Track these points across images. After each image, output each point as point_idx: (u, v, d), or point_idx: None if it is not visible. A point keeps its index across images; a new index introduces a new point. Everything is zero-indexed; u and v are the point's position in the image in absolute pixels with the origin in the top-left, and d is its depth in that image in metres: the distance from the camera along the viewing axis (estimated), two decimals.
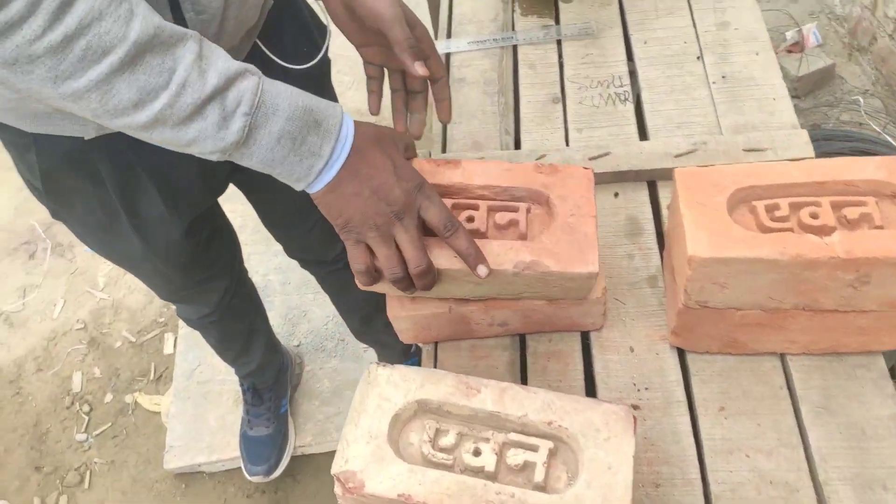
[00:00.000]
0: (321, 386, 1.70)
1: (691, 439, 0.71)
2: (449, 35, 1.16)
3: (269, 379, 1.54)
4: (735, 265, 0.63)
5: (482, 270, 0.66)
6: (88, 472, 1.72)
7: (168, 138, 0.59)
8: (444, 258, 0.68)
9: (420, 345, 0.85)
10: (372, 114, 0.83)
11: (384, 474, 0.57)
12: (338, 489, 0.59)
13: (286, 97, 0.60)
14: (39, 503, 1.69)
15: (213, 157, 0.61)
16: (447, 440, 0.59)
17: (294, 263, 1.34)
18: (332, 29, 0.84)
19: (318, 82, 1.01)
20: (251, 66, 0.61)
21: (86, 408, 1.82)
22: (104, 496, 1.68)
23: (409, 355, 1.58)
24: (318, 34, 0.97)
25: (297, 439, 1.62)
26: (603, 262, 0.76)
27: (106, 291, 2.02)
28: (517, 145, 1.01)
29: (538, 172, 0.73)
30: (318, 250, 1.24)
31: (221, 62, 0.58)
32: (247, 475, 1.55)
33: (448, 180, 0.73)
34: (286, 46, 0.89)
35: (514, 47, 1.11)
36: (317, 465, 1.65)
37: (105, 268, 2.06)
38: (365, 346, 1.67)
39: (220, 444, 1.61)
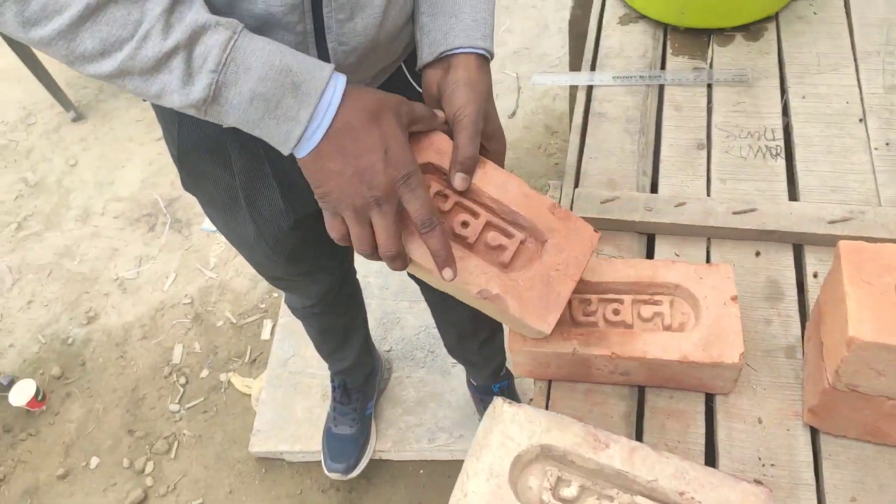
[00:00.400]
0: (406, 394, 1.71)
1: None
2: (593, 67, 1.14)
3: (359, 379, 1.56)
4: None
5: (447, 274, 0.65)
6: (176, 443, 1.79)
7: (138, 89, 0.59)
8: (416, 250, 0.67)
9: (530, 379, 0.83)
10: None
11: None
12: None
13: (261, 55, 0.58)
14: (128, 464, 1.78)
15: (192, 113, 0.60)
16: (569, 491, 0.57)
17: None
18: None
19: None
20: (231, 21, 0.58)
21: (182, 380, 1.90)
22: (188, 468, 1.75)
23: (497, 378, 1.57)
24: None
25: (378, 443, 1.63)
26: (742, 324, 0.73)
27: (215, 271, 2.11)
28: (654, 188, 0.98)
29: (550, 213, 0.71)
30: None
31: (191, 14, 0.56)
32: (326, 470, 1.58)
33: None
34: None
35: (661, 87, 1.08)
36: (392, 471, 1.65)
37: (217, 249, 2.16)
38: (454, 361, 1.67)
39: (304, 435, 1.65)
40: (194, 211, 2.26)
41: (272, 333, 1.93)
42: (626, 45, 1.16)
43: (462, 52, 0.71)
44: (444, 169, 0.70)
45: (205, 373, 1.91)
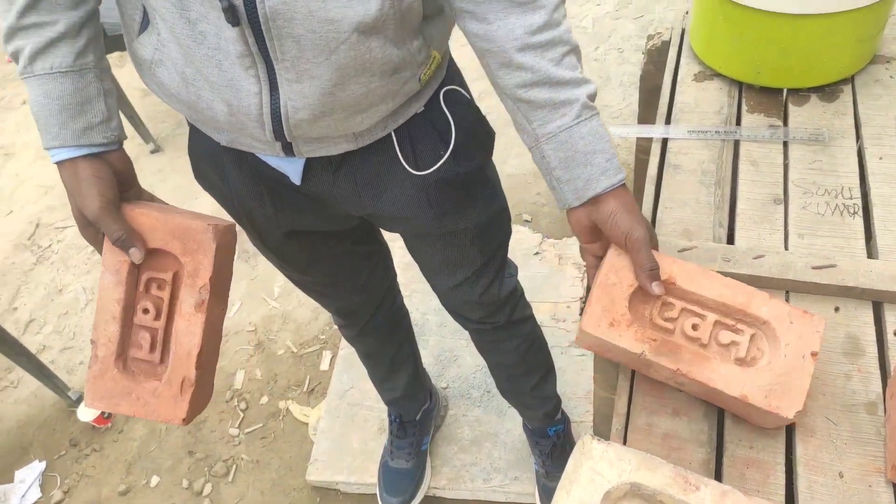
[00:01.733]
0: (462, 433, 1.72)
1: None
2: (668, 121, 1.18)
3: (414, 412, 1.59)
4: None
5: (134, 254, 0.80)
6: (234, 466, 1.84)
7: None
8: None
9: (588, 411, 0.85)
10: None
11: None
12: None
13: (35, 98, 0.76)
14: (187, 485, 1.83)
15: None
16: None
17: None
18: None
19: (436, 187, 0.99)
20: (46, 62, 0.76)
21: (242, 405, 1.96)
22: (244, 492, 1.79)
23: (552, 422, 1.57)
24: (475, 143, 1.00)
25: (432, 480, 1.64)
26: (817, 377, 0.75)
27: (278, 301, 2.18)
28: (729, 240, 1.00)
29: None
30: (463, 308, 1.24)
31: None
32: (380, 503, 1.60)
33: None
34: (420, 151, 0.93)
35: (736, 142, 1.11)
36: None
37: (281, 279, 2.23)
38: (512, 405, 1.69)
39: (360, 467, 1.68)
40: None
41: (331, 364, 1.97)
42: (701, 100, 1.20)
43: (607, 191, 0.79)
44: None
45: (264, 399, 1.96)
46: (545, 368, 1.44)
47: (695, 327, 0.76)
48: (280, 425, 1.90)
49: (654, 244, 0.81)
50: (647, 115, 1.49)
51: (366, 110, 0.82)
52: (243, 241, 2.36)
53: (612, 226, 0.79)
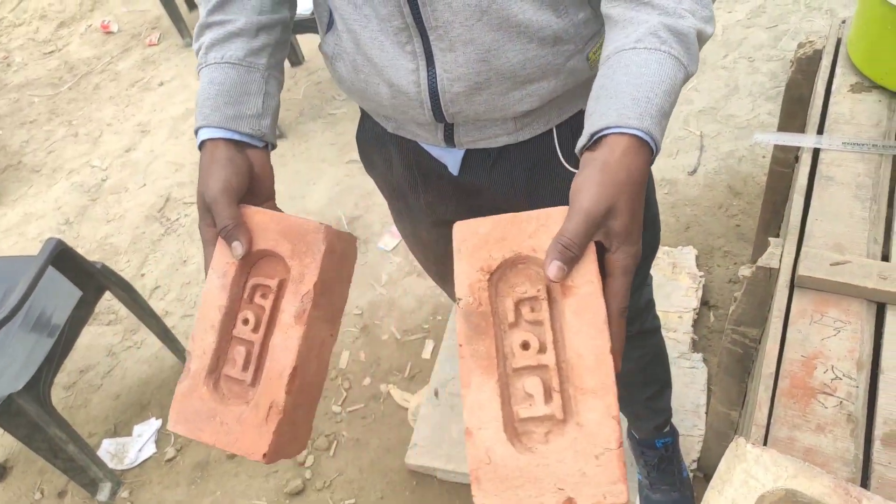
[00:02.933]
0: None
1: None
2: (820, 131, 1.13)
3: None
4: None
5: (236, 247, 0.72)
6: (335, 442, 1.90)
7: None
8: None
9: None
10: None
11: None
12: None
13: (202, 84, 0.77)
14: None
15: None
16: None
17: None
18: None
19: None
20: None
21: (346, 384, 2.02)
22: (344, 468, 1.85)
23: (661, 434, 1.54)
24: None
25: None
26: None
27: (385, 288, 2.24)
28: (884, 258, 0.95)
29: None
30: None
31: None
32: None
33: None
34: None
35: (895, 157, 1.06)
36: None
37: (389, 267, 2.29)
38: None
39: (458, 455, 1.70)
40: (372, 230, 2.42)
41: (433, 354, 2.01)
42: (857, 112, 1.14)
43: (613, 133, 0.60)
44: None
45: (367, 381, 2.02)
46: (663, 381, 1.41)
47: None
48: (381, 407, 1.95)
49: (621, 263, 0.60)
50: (788, 125, 1.44)
51: (525, 85, 0.79)
52: (356, 227, 2.44)
53: (583, 182, 0.59)
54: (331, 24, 0.85)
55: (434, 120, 0.84)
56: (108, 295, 1.87)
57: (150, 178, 2.91)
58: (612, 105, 0.61)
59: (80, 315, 1.77)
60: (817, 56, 1.31)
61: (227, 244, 0.70)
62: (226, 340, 0.72)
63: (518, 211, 0.64)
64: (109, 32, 3.94)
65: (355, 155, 2.25)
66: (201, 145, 0.76)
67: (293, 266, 0.70)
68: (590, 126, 0.62)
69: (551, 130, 0.89)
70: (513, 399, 0.60)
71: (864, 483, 0.76)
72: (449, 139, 0.88)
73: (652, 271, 2.02)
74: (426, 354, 2.04)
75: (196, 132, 0.77)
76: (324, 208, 2.55)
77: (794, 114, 1.40)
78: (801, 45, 1.36)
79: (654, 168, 2.46)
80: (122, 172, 2.97)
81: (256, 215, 0.72)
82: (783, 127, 1.46)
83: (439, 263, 1.20)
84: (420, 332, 2.10)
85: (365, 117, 1.01)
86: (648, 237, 1.08)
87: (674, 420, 1.58)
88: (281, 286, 0.71)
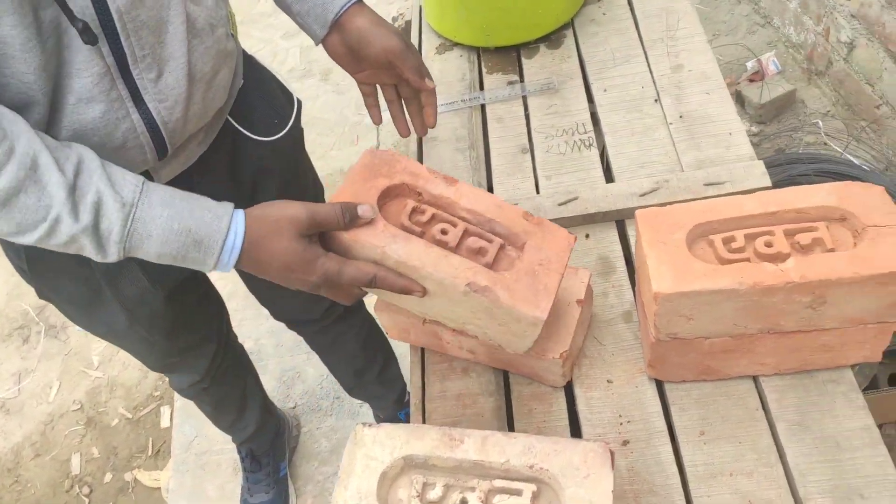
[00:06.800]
0: (319, 446, 1.69)
1: (675, 468, 0.73)
2: None
3: (266, 443, 1.54)
4: (698, 297, 0.66)
5: (417, 296, 0.71)
6: None
7: (60, 251, 0.66)
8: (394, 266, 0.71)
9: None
10: (375, 124, 0.94)
11: None
12: None
13: (160, 223, 0.65)
14: None
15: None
16: (434, 493, 0.61)
17: (284, 325, 1.36)
18: (303, 98, 0.91)
19: (292, 150, 1.05)
20: (128, 190, 0.65)
21: (86, 489, 1.80)
22: None
23: (402, 405, 1.59)
24: (287, 106, 1.02)
25: (298, 502, 1.61)
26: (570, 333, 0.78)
27: (101, 370, 2.02)
28: None
29: (524, 219, 0.74)
30: (304, 311, 1.26)
31: (91, 195, 0.63)
32: None
33: (439, 192, 0.75)
34: (256, 120, 0.95)
35: (483, 105, 1.16)
36: None
37: (98, 346, 2.07)
38: (360, 401, 1.68)
39: None
40: (63, 317, 2.16)
41: (172, 420, 1.86)
42: (445, 71, 1.24)
43: (346, 10, 0.82)
44: (418, 188, 0.75)
45: (108, 476, 1.81)
46: (386, 352, 1.46)
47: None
48: (132, 498, 1.77)
49: (413, 53, 0.84)
50: None
51: (215, 76, 0.81)
52: (48, 314, 2.16)
53: (365, 44, 0.82)
54: None
55: (157, 158, 0.78)
56: None
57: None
58: None
59: None
60: (409, 27, 1.40)
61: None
62: None
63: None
64: None
65: None
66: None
67: None
68: (320, 18, 0.83)
69: (227, 120, 0.91)
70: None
71: (509, 405, 0.83)
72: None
73: None
74: (165, 423, 1.88)
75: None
76: (4, 307, 2.22)
77: None
78: (394, 19, 1.44)
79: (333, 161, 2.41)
80: None
81: None
82: None
83: (172, 340, 1.09)
84: (152, 402, 1.94)
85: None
86: None
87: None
88: None
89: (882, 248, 0.64)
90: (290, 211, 0.69)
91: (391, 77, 0.87)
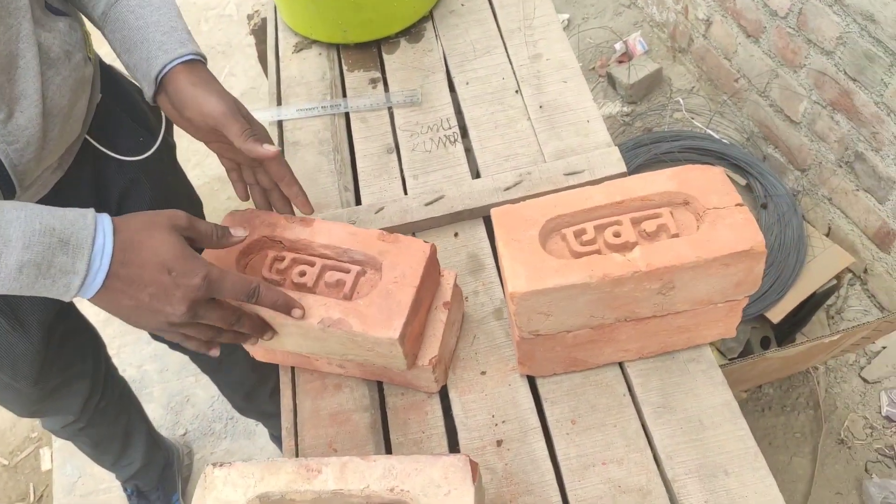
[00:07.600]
0: None
1: (549, 463, 0.73)
2: (279, 101, 1.15)
3: (154, 478, 1.45)
4: (552, 294, 0.65)
5: (296, 313, 0.69)
6: None
7: None
8: (263, 311, 0.70)
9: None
10: (241, 200, 0.85)
11: None
12: None
13: (19, 225, 0.56)
14: None
15: None
16: None
17: (166, 347, 1.29)
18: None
19: (163, 166, 0.98)
20: None
21: None
22: None
23: None
24: (154, 120, 0.95)
25: None
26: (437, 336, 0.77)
27: None
28: (358, 201, 1.01)
29: (380, 240, 0.76)
30: None
31: None
32: None
33: (295, 236, 0.77)
34: (121, 138, 0.88)
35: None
36: None
37: None
38: (255, 420, 1.62)
39: None
40: None
41: (52, 461, 1.73)
42: (305, 70, 1.19)
43: (171, 69, 0.73)
44: (277, 237, 0.76)
45: None
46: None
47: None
48: None
49: (238, 118, 0.73)
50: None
51: (73, 108, 0.75)
52: None
53: (182, 107, 0.72)
54: None
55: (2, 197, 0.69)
56: None
57: None
58: (150, 48, 0.72)
59: None
60: (265, 24, 1.33)
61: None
62: None
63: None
64: None
65: None
66: None
67: None
68: (146, 76, 0.73)
69: (86, 140, 0.84)
70: None
71: (385, 419, 0.80)
72: None
73: None
74: (46, 465, 1.74)
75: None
76: None
77: None
78: (249, 17, 1.37)
79: (211, 168, 2.32)
80: None
81: None
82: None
83: (41, 385, 1.00)
84: (29, 444, 1.79)
85: None
86: None
87: None
88: None
89: (721, 230, 0.65)
90: (165, 211, 0.64)
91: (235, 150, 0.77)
